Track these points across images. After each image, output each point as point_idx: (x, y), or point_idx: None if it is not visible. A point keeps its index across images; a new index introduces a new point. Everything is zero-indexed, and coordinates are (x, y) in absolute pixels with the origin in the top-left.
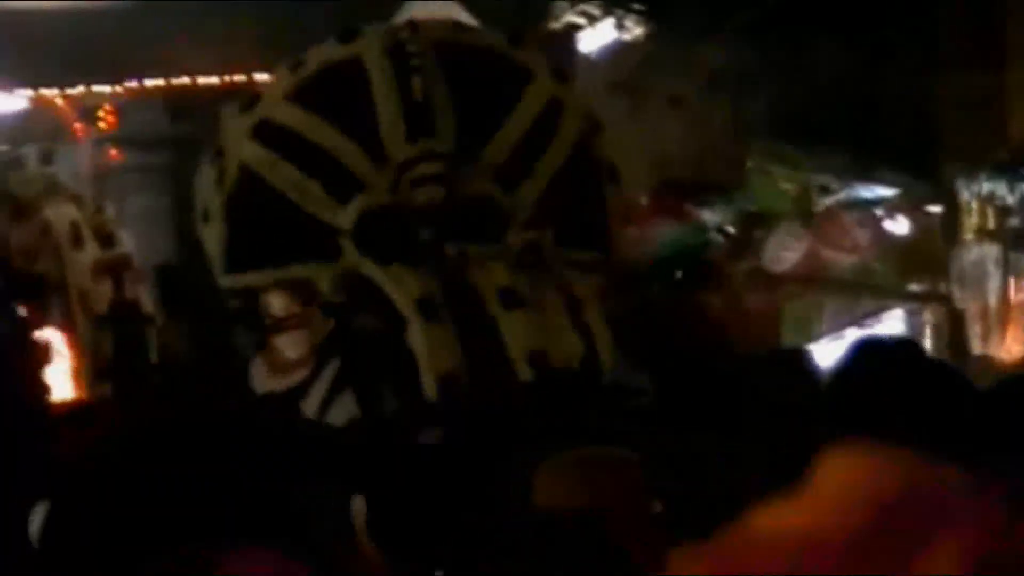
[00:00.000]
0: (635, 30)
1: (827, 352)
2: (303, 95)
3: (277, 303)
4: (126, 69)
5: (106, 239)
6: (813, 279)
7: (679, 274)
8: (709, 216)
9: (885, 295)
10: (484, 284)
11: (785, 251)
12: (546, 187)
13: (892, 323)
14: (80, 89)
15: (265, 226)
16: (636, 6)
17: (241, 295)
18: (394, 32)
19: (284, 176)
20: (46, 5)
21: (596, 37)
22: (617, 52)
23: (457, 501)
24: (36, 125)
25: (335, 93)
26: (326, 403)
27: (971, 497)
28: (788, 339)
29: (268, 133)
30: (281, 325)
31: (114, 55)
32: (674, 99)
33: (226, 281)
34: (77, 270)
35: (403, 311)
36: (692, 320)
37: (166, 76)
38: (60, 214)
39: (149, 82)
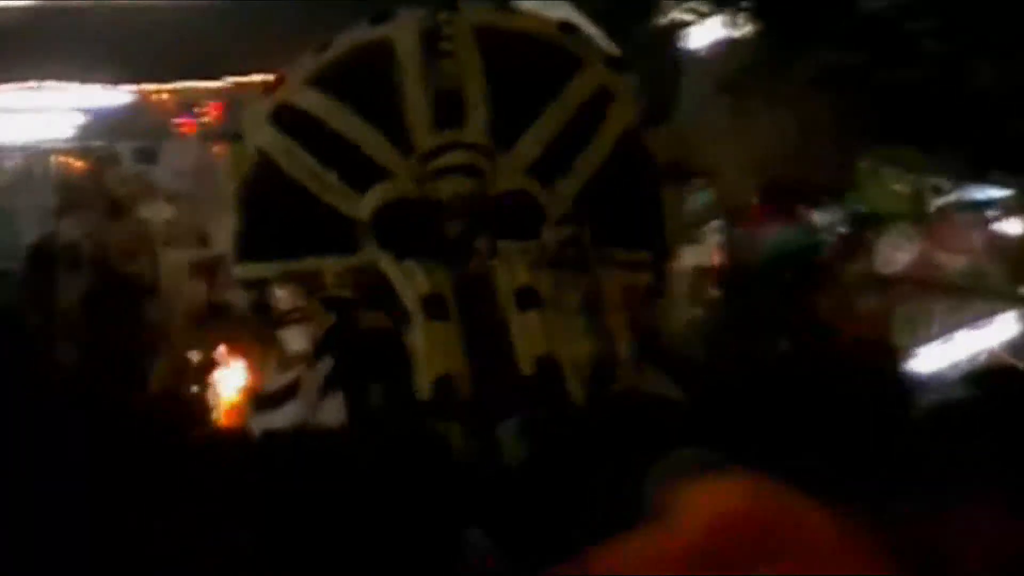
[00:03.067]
0: (745, 27)
1: (937, 354)
2: (325, 79)
3: (283, 295)
4: (230, 64)
5: (201, 239)
6: (925, 281)
7: (790, 276)
8: (820, 218)
9: (997, 298)
10: (504, 282)
11: (897, 253)
12: (589, 182)
13: (1004, 326)
14: (183, 84)
15: (279, 215)
16: (745, 3)
17: (255, 286)
18: (431, 14)
19: (300, 163)
20: (151, 2)
21: (705, 34)
22: (726, 50)
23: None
24: (138, 121)
25: (360, 77)
26: (315, 402)
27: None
28: (899, 341)
29: (287, 118)
30: (285, 318)
31: (218, 50)
32: (784, 97)
33: (238, 271)
34: (171, 270)
35: (408, 307)
36: (803, 322)
37: (270, 71)
38: (156, 213)
39: (253, 77)
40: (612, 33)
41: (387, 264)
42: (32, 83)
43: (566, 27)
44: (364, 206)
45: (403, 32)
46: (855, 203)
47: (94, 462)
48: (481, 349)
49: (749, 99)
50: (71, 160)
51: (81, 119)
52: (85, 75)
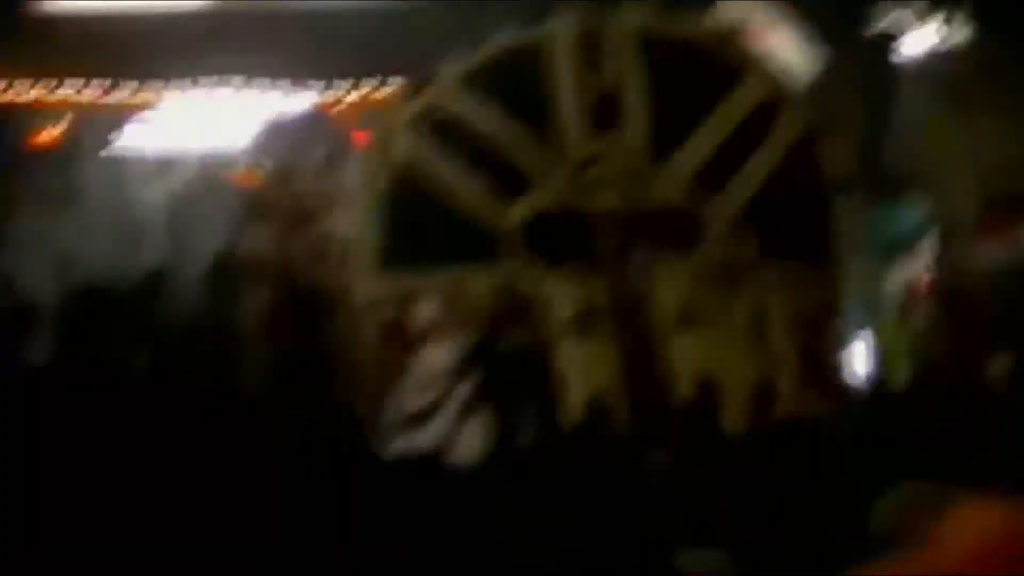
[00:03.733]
0: (963, 33)
1: None
2: (476, 82)
3: (425, 311)
4: (414, 70)
5: None
6: None
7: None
8: None
9: None
10: (663, 299)
11: None
12: (754, 196)
13: None
14: (368, 91)
15: (422, 224)
16: (964, 8)
17: (392, 302)
18: (590, 17)
19: (445, 170)
20: (339, 5)
21: (922, 40)
22: (945, 55)
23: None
24: (321, 129)
25: (513, 81)
26: (458, 422)
27: None
28: None
29: (431, 124)
30: (427, 335)
31: (404, 55)
32: (1006, 105)
33: (376, 287)
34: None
35: (559, 324)
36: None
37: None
38: (340, 224)
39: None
40: (827, 38)
41: (536, 277)
42: (213, 85)
43: (729, 34)
44: (512, 216)
45: (559, 35)
46: None
47: (278, 470)
48: (637, 369)
49: (972, 107)
50: (253, 168)
51: (263, 125)
52: (269, 77)
